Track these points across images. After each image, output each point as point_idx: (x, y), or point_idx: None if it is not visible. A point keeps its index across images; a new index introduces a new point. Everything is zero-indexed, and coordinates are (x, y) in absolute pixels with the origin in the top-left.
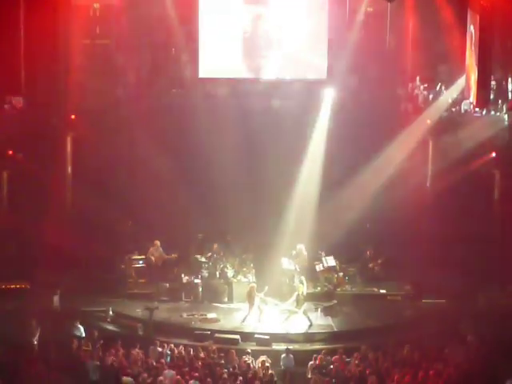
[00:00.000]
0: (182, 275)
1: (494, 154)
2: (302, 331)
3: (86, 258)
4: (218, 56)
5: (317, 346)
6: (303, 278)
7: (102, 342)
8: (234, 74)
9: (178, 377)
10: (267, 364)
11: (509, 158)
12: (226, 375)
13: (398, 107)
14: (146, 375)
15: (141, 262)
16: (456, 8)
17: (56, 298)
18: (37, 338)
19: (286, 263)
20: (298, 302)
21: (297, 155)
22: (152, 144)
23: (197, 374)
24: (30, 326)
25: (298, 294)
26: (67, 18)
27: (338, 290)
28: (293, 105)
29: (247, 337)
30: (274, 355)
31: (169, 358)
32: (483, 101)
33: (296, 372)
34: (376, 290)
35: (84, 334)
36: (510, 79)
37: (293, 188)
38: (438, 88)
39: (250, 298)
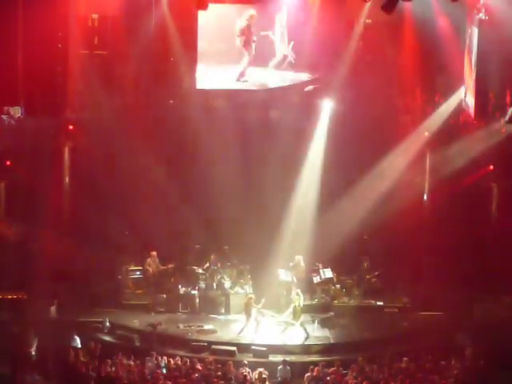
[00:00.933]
0: (179, 286)
1: (491, 167)
2: (299, 343)
3: (83, 269)
4: (215, 67)
5: (314, 358)
6: (299, 290)
7: (98, 352)
8: (231, 85)
9: None
10: (264, 376)
11: (507, 171)
12: None
13: (395, 119)
14: None
15: (138, 272)
16: (454, 20)
17: (53, 309)
18: (34, 348)
19: (284, 275)
20: (295, 314)
21: (295, 167)
22: (150, 155)
23: None
24: (27, 337)
25: (295, 306)
26: (65, 28)
27: (335, 301)
28: (291, 116)
29: (244, 348)
30: (271, 367)
31: (165, 370)
32: (481, 113)
33: None
34: (373, 302)
35: (80, 345)
36: (508, 91)
37: (290, 199)
38: (435, 100)
39: (247, 309)
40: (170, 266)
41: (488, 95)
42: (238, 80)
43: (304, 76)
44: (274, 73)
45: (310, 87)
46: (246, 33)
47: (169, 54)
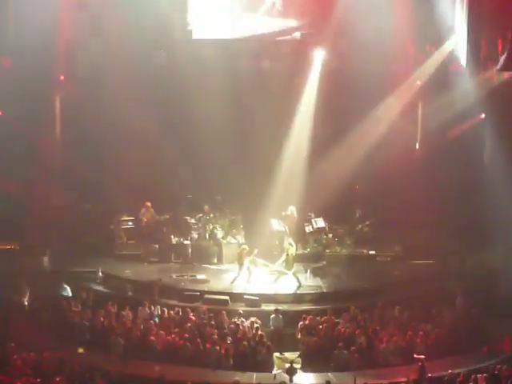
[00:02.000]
0: (172, 236)
1: (483, 115)
2: (291, 292)
3: (76, 219)
4: (207, 16)
5: (306, 307)
6: (291, 239)
7: (91, 302)
8: (222, 34)
9: (168, 337)
10: (257, 324)
11: (498, 119)
12: (215, 336)
13: (387, 68)
14: (134, 335)
15: (130, 223)
16: None
17: (45, 259)
18: (27, 298)
19: (276, 224)
20: (288, 263)
21: (286, 116)
22: (141, 104)
23: (186, 335)
24: (19, 287)
25: (288, 255)
26: None
27: (328, 251)
28: (282, 66)
29: (237, 298)
30: (264, 316)
31: (158, 319)
32: (473, 62)
33: (285, 332)
34: (365, 251)
35: (70, 294)
36: (500, 40)
37: (282, 149)
38: (427, 49)
39: (240, 259)
40: (165, 215)
41: (480, 44)
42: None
43: (292, 23)
44: (264, 19)
45: (298, 33)
46: None
47: (160, 4)
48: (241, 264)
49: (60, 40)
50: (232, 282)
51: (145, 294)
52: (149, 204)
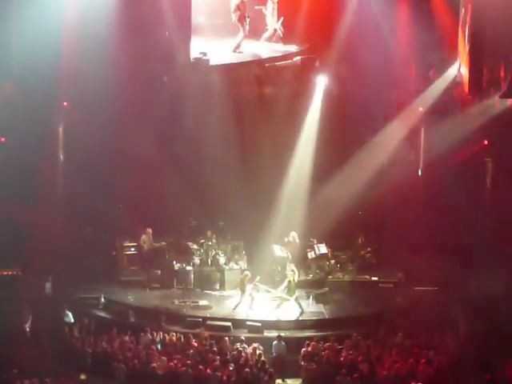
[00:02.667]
0: (174, 262)
1: (486, 142)
2: (294, 318)
3: (78, 245)
4: (210, 41)
5: (308, 334)
6: (293, 265)
7: (93, 328)
8: (225, 59)
9: (171, 364)
10: (259, 351)
11: (501, 146)
12: (217, 362)
13: (390, 95)
14: (137, 362)
15: (132, 248)
16: None
17: (48, 285)
18: (29, 324)
19: (278, 250)
20: (290, 290)
21: (289, 142)
22: (144, 130)
23: (188, 361)
24: (22, 313)
25: (290, 282)
26: (59, 3)
27: (330, 277)
28: (284, 92)
29: (239, 324)
30: (266, 342)
31: (160, 345)
32: (475, 88)
33: (287, 359)
34: (368, 277)
35: (73, 320)
36: (502, 66)
37: (285, 175)
38: (430, 75)
39: (242, 285)
40: (162, 243)
41: (482, 70)
42: (234, 51)
43: (292, 48)
44: (266, 45)
45: (298, 58)
46: (241, 8)
47: (163, 28)
48: (243, 290)
49: (63, 66)
50: (234, 309)
51: (147, 320)
52: (150, 231)
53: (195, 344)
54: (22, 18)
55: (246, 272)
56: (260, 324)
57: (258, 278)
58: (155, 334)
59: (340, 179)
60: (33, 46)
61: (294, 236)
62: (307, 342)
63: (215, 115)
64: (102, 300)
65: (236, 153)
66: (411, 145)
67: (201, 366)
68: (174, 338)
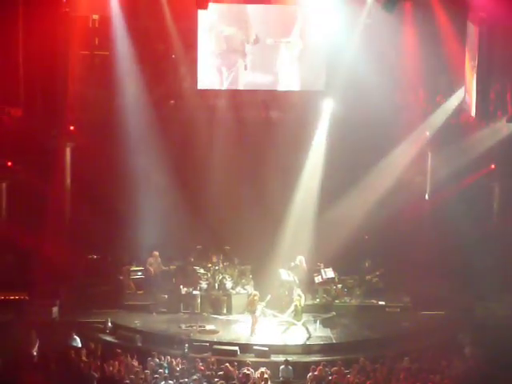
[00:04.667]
0: (181, 286)
1: (493, 167)
2: (301, 343)
3: (85, 270)
4: (216, 68)
5: (315, 358)
6: (300, 290)
7: (100, 352)
8: (232, 85)
9: None
10: (266, 376)
11: (508, 171)
12: None
13: (396, 119)
14: None
15: (139, 273)
16: (455, 19)
17: (55, 310)
18: (36, 349)
19: (285, 275)
20: (297, 314)
21: (295, 166)
22: (151, 155)
23: None
24: (28, 337)
25: (297, 306)
26: (66, 29)
27: (337, 301)
28: (291, 117)
29: (246, 348)
30: (273, 367)
31: (167, 370)
32: (482, 112)
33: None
34: (375, 301)
35: (80, 345)
36: (509, 91)
37: (292, 199)
38: (437, 99)
39: (252, 306)
40: (171, 266)
41: (489, 94)
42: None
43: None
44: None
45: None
46: (247, 36)
47: (169, 54)
48: (252, 311)
49: (70, 90)
50: (250, 334)
51: (154, 345)
52: (156, 253)
53: (202, 368)
54: (29, 43)
55: (255, 292)
56: (267, 348)
57: (268, 296)
58: (163, 358)
59: (347, 203)
60: (40, 70)
61: (301, 260)
62: (314, 366)
63: (222, 139)
64: (109, 324)
65: (243, 177)
66: (418, 169)
67: None
68: (181, 363)
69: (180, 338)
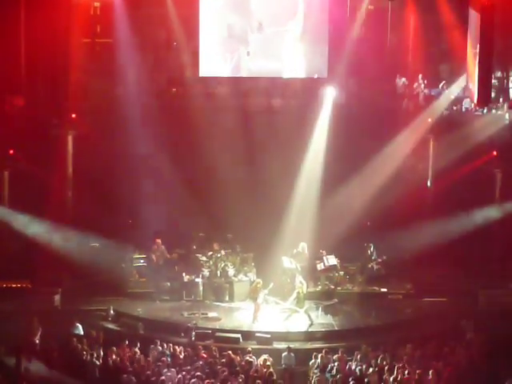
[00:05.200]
0: (183, 274)
1: (495, 153)
2: (303, 330)
3: (87, 257)
4: (218, 55)
5: (318, 345)
6: (302, 277)
7: (102, 340)
8: (234, 72)
9: (180, 376)
10: (268, 363)
11: (510, 157)
12: (227, 374)
13: (398, 106)
14: (146, 374)
15: (142, 261)
16: (457, 6)
17: (57, 297)
18: (38, 337)
19: (287, 262)
20: (299, 301)
21: (297, 154)
22: (153, 143)
23: (198, 373)
24: (31, 325)
25: (299, 293)
26: (67, 16)
27: (339, 288)
28: (293, 104)
29: (248, 335)
30: (276, 354)
31: (169, 358)
32: (484, 99)
33: (297, 371)
34: (377, 288)
35: (82, 333)
36: (511, 77)
37: (294, 186)
38: (439, 86)
39: (254, 293)
40: (174, 254)
41: (491, 81)
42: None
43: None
44: (277, 61)
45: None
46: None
47: (171, 41)
48: (254, 298)
49: (72, 78)
50: (253, 320)
51: (156, 332)
52: (159, 241)
53: (204, 356)
54: (31, 31)
55: (258, 280)
56: (269, 335)
57: (271, 284)
58: (165, 345)
59: (349, 190)
60: (41, 58)
61: (303, 247)
62: (316, 353)
63: (224, 127)
64: (111, 312)
65: (245, 164)
66: (420, 156)
67: (210, 378)
68: (183, 350)
69: (187, 326)
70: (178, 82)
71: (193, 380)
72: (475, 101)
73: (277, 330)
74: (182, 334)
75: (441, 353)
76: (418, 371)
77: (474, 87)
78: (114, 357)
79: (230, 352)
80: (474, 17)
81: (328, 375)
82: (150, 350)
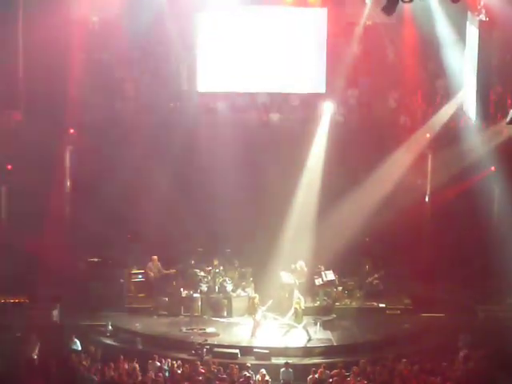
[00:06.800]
0: (181, 289)
1: (493, 169)
2: (301, 345)
3: (85, 273)
4: (216, 70)
5: (316, 360)
6: (299, 292)
7: (100, 356)
8: (232, 88)
9: None
10: (267, 378)
11: (508, 173)
12: None
13: (397, 121)
14: None
15: (140, 276)
16: (455, 22)
17: (55, 313)
18: (36, 352)
19: (285, 277)
20: (297, 316)
21: (296, 169)
22: (151, 157)
23: None
24: (29, 341)
25: (297, 308)
26: (65, 32)
27: (337, 304)
28: (291, 119)
29: (246, 351)
30: (274, 369)
31: (168, 373)
32: (482, 115)
33: None
34: (375, 303)
35: (80, 348)
36: (509, 93)
37: (292, 202)
38: (437, 102)
39: (252, 309)
40: (171, 270)
41: (489, 97)
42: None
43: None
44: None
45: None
46: (247, 37)
47: (169, 57)
48: (253, 315)
49: (70, 93)
50: (252, 336)
51: (154, 348)
52: (155, 258)
53: (203, 371)
54: (29, 46)
55: (254, 295)
56: (267, 351)
57: (270, 301)
58: (163, 361)
59: (347, 206)
60: (39, 73)
61: (301, 265)
62: (314, 368)
63: (222, 142)
64: (110, 327)
65: (244, 180)
66: (418, 171)
67: None
68: (182, 366)
69: (198, 343)
70: (175, 98)
71: None
72: (473, 116)
73: (275, 346)
74: (193, 352)
75: (439, 368)
76: None
77: (472, 102)
78: (112, 372)
79: (233, 365)
80: (472, 31)
81: None
82: (148, 365)
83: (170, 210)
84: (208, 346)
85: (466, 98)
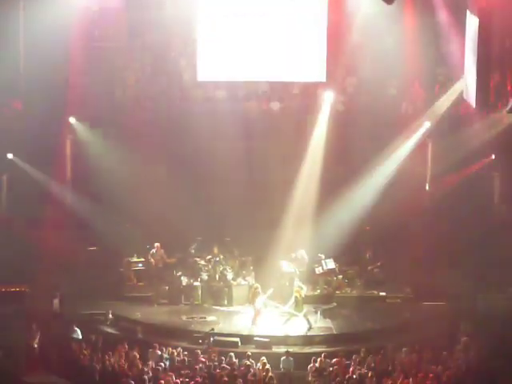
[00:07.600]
0: (182, 278)
1: (493, 157)
2: (302, 334)
3: (86, 261)
4: (216, 59)
5: (316, 349)
6: (300, 282)
7: (101, 344)
8: (233, 76)
9: (178, 380)
10: (267, 366)
11: (508, 161)
12: (225, 378)
13: (397, 109)
14: (145, 378)
15: (140, 264)
16: (454, 10)
17: (56, 301)
18: (37, 341)
19: (286, 266)
20: (298, 305)
21: (296, 158)
22: (151, 147)
23: (198, 379)
24: (29, 330)
25: (297, 297)
26: (66, 20)
27: (338, 292)
28: (292, 107)
29: (247, 339)
30: (274, 358)
31: (168, 362)
32: (482, 103)
33: (295, 375)
34: (375, 292)
35: (81, 337)
36: (509, 81)
37: (292, 190)
38: (436, 90)
39: (253, 298)
40: (172, 258)
41: (489, 85)
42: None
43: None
44: (275, 65)
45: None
46: (248, 26)
47: (170, 45)
48: (253, 304)
49: (70, 82)
50: (251, 324)
51: (155, 336)
52: (158, 245)
53: (203, 359)
54: (30, 35)
55: (256, 285)
56: (268, 339)
57: (271, 290)
58: (164, 349)
59: (347, 194)
60: (40, 62)
61: (302, 254)
62: (315, 357)
63: (222, 131)
64: (110, 316)
65: (243, 168)
66: (418, 159)
67: (208, 382)
68: (182, 354)
69: (205, 333)
70: (176, 86)
71: (191, 383)
72: (473, 104)
73: (275, 334)
74: (200, 341)
75: (440, 357)
76: (418, 375)
77: (473, 90)
78: (112, 361)
79: (231, 354)
80: (472, 20)
81: (326, 379)
82: (148, 354)
83: (170, 199)
84: (215, 336)
85: (466, 86)
